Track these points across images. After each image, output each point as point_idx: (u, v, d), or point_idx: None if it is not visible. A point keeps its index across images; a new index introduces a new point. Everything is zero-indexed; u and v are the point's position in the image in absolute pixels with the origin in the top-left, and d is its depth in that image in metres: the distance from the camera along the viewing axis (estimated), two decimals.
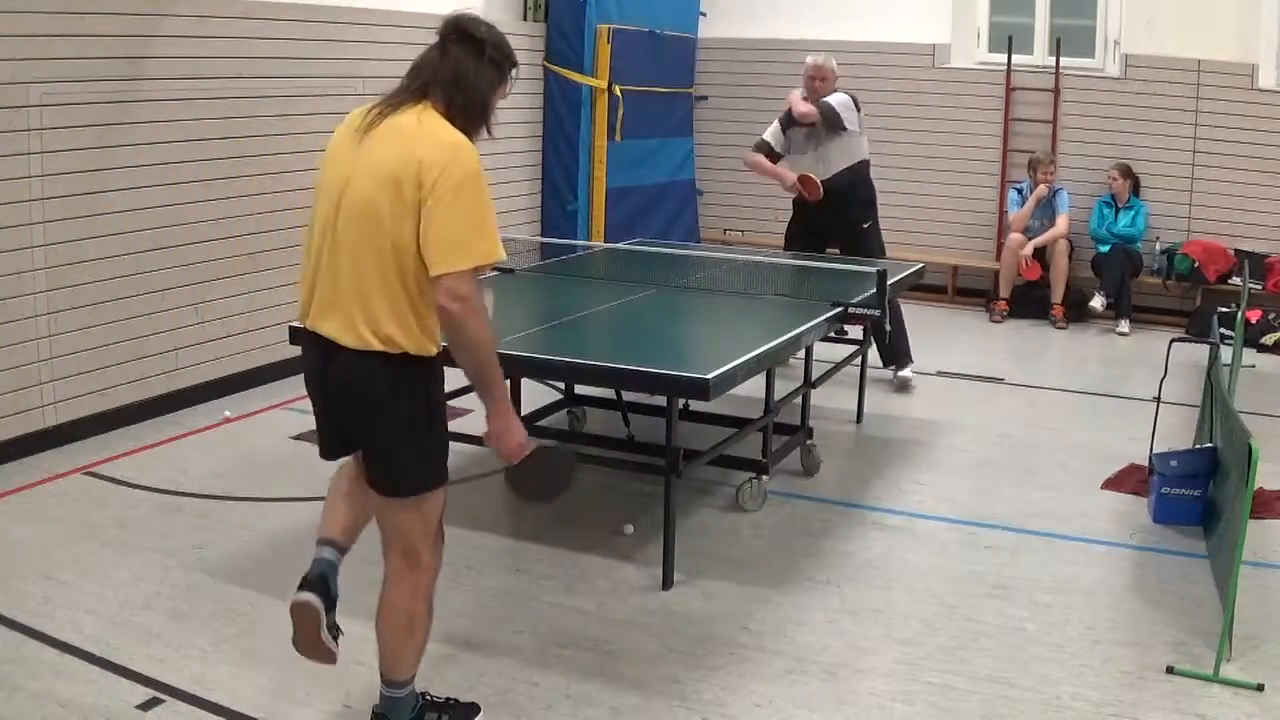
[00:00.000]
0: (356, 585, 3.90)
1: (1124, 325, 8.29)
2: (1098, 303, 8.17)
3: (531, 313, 4.90)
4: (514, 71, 2.80)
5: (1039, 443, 5.67)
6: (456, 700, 3.08)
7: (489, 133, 2.80)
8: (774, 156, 6.49)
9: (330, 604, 2.91)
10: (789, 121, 6.37)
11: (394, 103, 2.70)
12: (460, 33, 2.72)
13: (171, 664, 3.33)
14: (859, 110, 6.26)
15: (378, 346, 2.64)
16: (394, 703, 2.92)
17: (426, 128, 2.64)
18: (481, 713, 3.10)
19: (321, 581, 2.91)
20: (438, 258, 2.56)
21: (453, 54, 2.70)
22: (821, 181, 6.26)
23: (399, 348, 2.65)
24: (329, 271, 2.70)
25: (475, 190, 2.60)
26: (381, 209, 2.60)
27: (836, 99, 6.19)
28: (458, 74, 2.69)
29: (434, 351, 2.73)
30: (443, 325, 2.66)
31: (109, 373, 5.41)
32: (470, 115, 2.71)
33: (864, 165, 6.36)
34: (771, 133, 6.47)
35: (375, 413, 2.71)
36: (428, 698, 3.04)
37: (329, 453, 2.96)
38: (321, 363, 2.75)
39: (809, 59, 6.27)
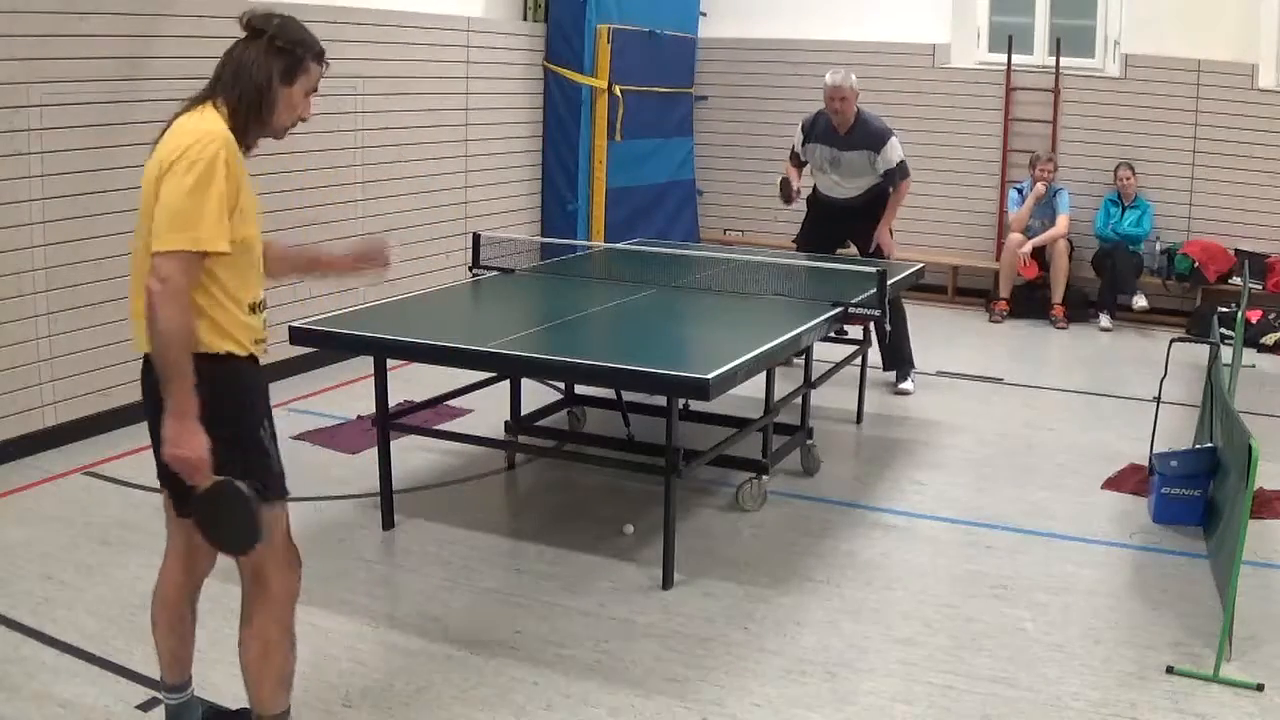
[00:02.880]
0: (357, 588, 3.90)
1: (1105, 320, 8.31)
2: (1139, 300, 8.16)
3: (531, 313, 4.90)
4: (314, 59, 2.64)
5: (1039, 443, 5.67)
6: None
7: (274, 133, 2.70)
8: (802, 164, 6.53)
9: None
10: (809, 135, 6.37)
11: (185, 105, 2.61)
12: (246, 26, 2.63)
13: None
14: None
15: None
16: None
17: (189, 124, 2.52)
18: None
19: None
20: (154, 237, 2.42)
21: (236, 50, 2.62)
22: (844, 199, 6.33)
23: (199, 343, 2.51)
24: (131, 282, 2.61)
25: (204, 175, 2.42)
26: (146, 205, 2.52)
27: (895, 151, 6.12)
28: (237, 68, 2.59)
29: (225, 349, 2.56)
30: (146, 307, 2.44)
31: (109, 373, 5.40)
32: (246, 109, 2.57)
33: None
34: (797, 141, 6.48)
35: (159, 415, 2.51)
36: None
37: (164, 486, 2.78)
38: (143, 376, 2.66)
39: (827, 78, 6.11)
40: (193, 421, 2.46)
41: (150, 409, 2.62)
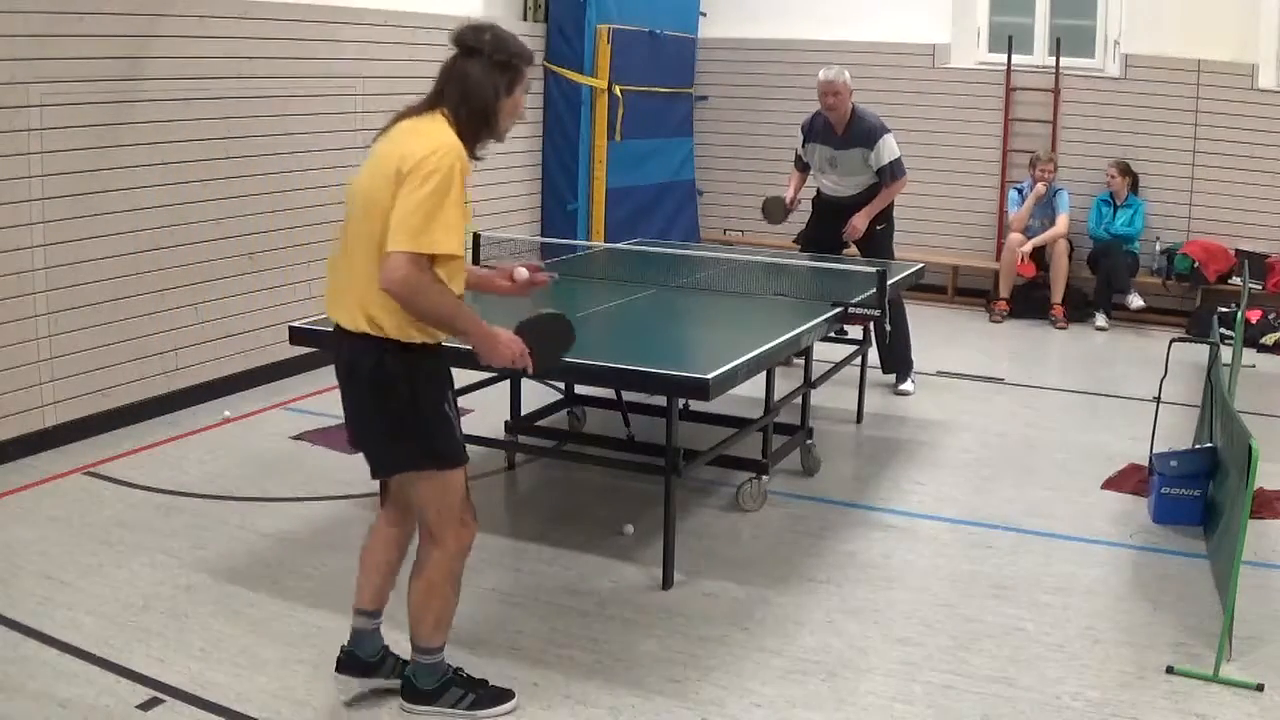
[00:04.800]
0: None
1: (1101, 319, 8.31)
2: (1134, 300, 8.16)
3: (531, 313, 4.89)
4: (528, 65, 2.91)
5: (1039, 443, 5.67)
6: (487, 682, 3.17)
7: (499, 138, 2.95)
8: (807, 166, 6.55)
9: (366, 671, 3.18)
10: (808, 135, 6.38)
11: (408, 111, 2.90)
12: (460, 44, 2.87)
13: (171, 664, 3.33)
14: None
15: (364, 328, 2.84)
16: (417, 667, 3.10)
17: (422, 127, 2.82)
18: (514, 699, 3.17)
19: (350, 658, 3.18)
20: (389, 238, 2.71)
21: (457, 64, 2.87)
22: (845, 197, 6.31)
23: (381, 330, 2.82)
24: (342, 261, 2.91)
25: (442, 184, 2.70)
26: (372, 199, 2.78)
27: (890, 148, 6.11)
28: (462, 84, 2.84)
29: (417, 339, 2.85)
30: (396, 303, 2.77)
31: (109, 373, 5.41)
32: (475, 123, 2.85)
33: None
34: (799, 143, 6.49)
35: (357, 389, 2.93)
36: (459, 674, 3.15)
37: (355, 448, 3.15)
38: (336, 349, 2.99)
39: (821, 74, 6.12)
40: (489, 335, 2.89)
41: (343, 379, 2.98)
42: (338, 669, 3.18)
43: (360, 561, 3.24)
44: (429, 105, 2.87)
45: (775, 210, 6.43)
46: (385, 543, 3.21)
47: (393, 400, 2.88)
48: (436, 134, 2.78)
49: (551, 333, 3.10)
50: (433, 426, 2.92)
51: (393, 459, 2.99)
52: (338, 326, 2.94)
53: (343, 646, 3.21)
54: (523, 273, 3.29)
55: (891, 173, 6.15)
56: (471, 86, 2.83)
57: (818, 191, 6.57)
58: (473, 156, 2.86)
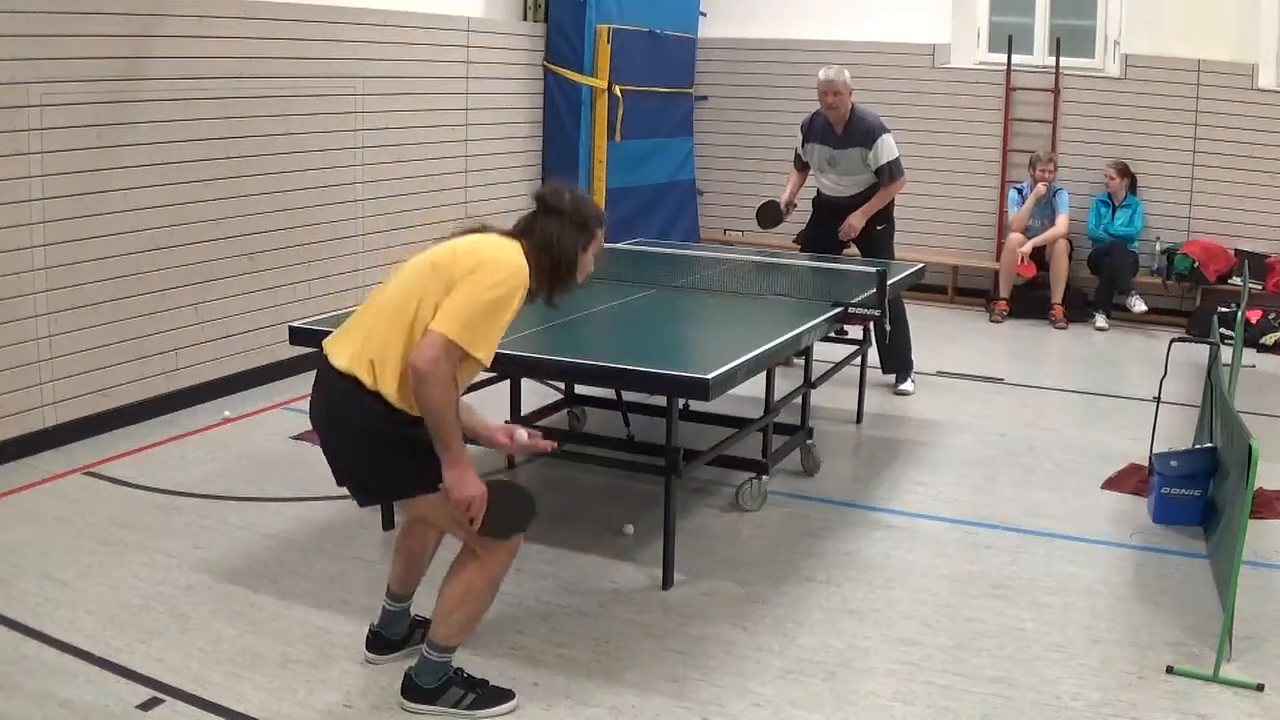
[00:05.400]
0: (357, 588, 3.91)
1: (1100, 320, 8.31)
2: (1137, 304, 8.16)
3: (531, 313, 4.87)
4: (602, 228, 3.16)
5: (1039, 443, 5.67)
6: (487, 682, 3.19)
7: (564, 293, 3.13)
8: (806, 166, 6.55)
9: (393, 648, 3.37)
10: (808, 135, 6.38)
11: (490, 228, 3.10)
12: (543, 204, 3.07)
13: (171, 664, 3.33)
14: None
15: (364, 379, 2.88)
16: (424, 663, 3.12)
17: (507, 246, 2.98)
18: (514, 699, 3.17)
19: (377, 639, 3.38)
20: (439, 318, 2.81)
21: (539, 223, 3.04)
22: (845, 197, 6.31)
23: (377, 386, 2.87)
24: (367, 319, 2.98)
25: (504, 299, 2.85)
26: (420, 282, 2.90)
27: (888, 148, 6.11)
28: (545, 239, 3.01)
29: (406, 413, 2.89)
30: (410, 378, 2.82)
31: (109, 373, 5.41)
32: (556, 274, 3.04)
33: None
34: (799, 143, 6.50)
35: (351, 436, 2.96)
36: (459, 674, 3.16)
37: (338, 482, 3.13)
38: (320, 386, 3.03)
39: (820, 74, 6.12)
40: (469, 469, 2.89)
41: (321, 413, 3.03)
42: (367, 647, 3.38)
43: (394, 546, 3.38)
44: (513, 234, 3.04)
45: (769, 216, 6.44)
46: (422, 538, 3.34)
47: (389, 440, 2.91)
48: (516, 256, 2.94)
49: (513, 504, 3.09)
50: (432, 455, 2.90)
51: (403, 486, 3.02)
52: (327, 362, 2.97)
53: (371, 626, 3.39)
54: (522, 435, 3.28)
55: (890, 173, 6.14)
56: (552, 242, 3.01)
57: (818, 192, 6.57)
58: (534, 298, 3.04)
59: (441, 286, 2.85)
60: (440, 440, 2.84)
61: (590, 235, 3.11)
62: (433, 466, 2.89)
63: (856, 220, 6.19)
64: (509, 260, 2.92)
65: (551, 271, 3.03)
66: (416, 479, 2.94)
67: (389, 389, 2.86)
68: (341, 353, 2.95)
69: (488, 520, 2.95)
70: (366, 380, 2.87)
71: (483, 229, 3.08)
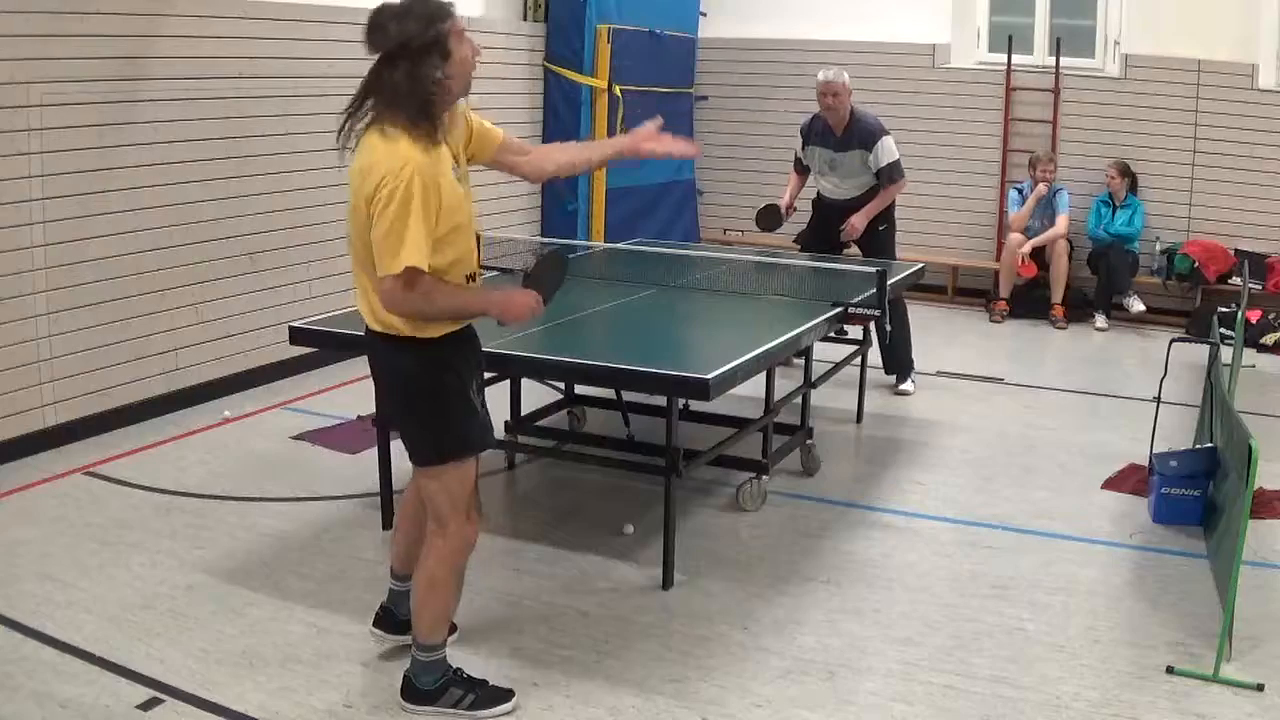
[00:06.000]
0: (357, 588, 3.91)
1: (1100, 320, 8.32)
2: (1135, 304, 8.16)
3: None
4: (447, 20, 2.79)
5: (1039, 443, 5.67)
6: (487, 682, 3.19)
7: (455, 100, 2.92)
8: (806, 169, 6.55)
9: (400, 629, 3.37)
10: (807, 138, 6.38)
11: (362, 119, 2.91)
12: (372, 48, 2.84)
13: (171, 664, 3.33)
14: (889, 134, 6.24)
15: (380, 329, 2.93)
16: (416, 664, 3.12)
17: (375, 138, 2.80)
18: (514, 699, 3.17)
19: (386, 615, 3.42)
20: (376, 266, 2.78)
21: (382, 77, 2.83)
22: (845, 199, 6.31)
23: (398, 330, 2.89)
24: (355, 267, 2.97)
25: (400, 202, 2.70)
26: (352, 208, 2.86)
27: (888, 150, 6.10)
28: (393, 95, 2.79)
29: (435, 334, 2.92)
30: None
31: (109, 373, 5.41)
32: (429, 110, 2.79)
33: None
34: (798, 145, 6.49)
35: (385, 387, 3.10)
36: (459, 674, 3.16)
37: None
38: (365, 342, 3.08)
39: (820, 75, 6.12)
40: (503, 301, 2.94)
41: (373, 371, 3.10)
42: (374, 624, 3.41)
43: (396, 526, 3.45)
44: (374, 119, 2.82)
45: (769, 219, 6.43)
46: (415, 510, 3.33)
47: (420, 399, 2.97)
48: (391, 146, 2.75)
49: (551, 272, 3.16)
50: (453, 422, 2.97)
51: (421, 453, 3.04)
52: (364, 325, 3.02)
53: (382, 604, 3.43)
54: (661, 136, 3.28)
55: (890, 175, 6.14)
56: (400, 91, 2.76)
57: (818, 194, 6.57)
58: (437, 141, 2.81)
59: (365, 221, 2.77)
60: (472, 316, 2.96)
61: (437, 46, 2.76)
62: (454, 434, 2.96)
63: (859, 221, 6.19)
64: (386, 162, 2.72)
65: (421, 112, 2.76)
66: (433, 445, 2.98)
67: (395, 323, 2.88)
68: (365, 312, 2.98)
69: (546, 295, 3.05)
70: (378, 327, 2.92)
71: (371, 122, 2.84)
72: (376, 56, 2.82)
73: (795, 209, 6.58)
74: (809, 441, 5.10)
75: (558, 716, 3.16)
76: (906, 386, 6.48)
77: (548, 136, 8.45)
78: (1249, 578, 3.81)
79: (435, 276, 2.82)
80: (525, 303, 2.98)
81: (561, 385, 5.52)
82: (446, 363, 2.96)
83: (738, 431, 4.66)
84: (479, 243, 5.39)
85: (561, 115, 8.38)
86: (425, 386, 2.95)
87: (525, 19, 8.28)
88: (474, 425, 3.04)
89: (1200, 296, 8.26)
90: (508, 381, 4.92)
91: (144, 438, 5.36)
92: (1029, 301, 8.60)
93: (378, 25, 2.78)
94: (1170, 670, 3.42)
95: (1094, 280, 8.50)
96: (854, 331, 5.80)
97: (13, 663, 3.32)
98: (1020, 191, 8.60)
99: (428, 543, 3.09)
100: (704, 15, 9.48)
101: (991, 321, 8.55)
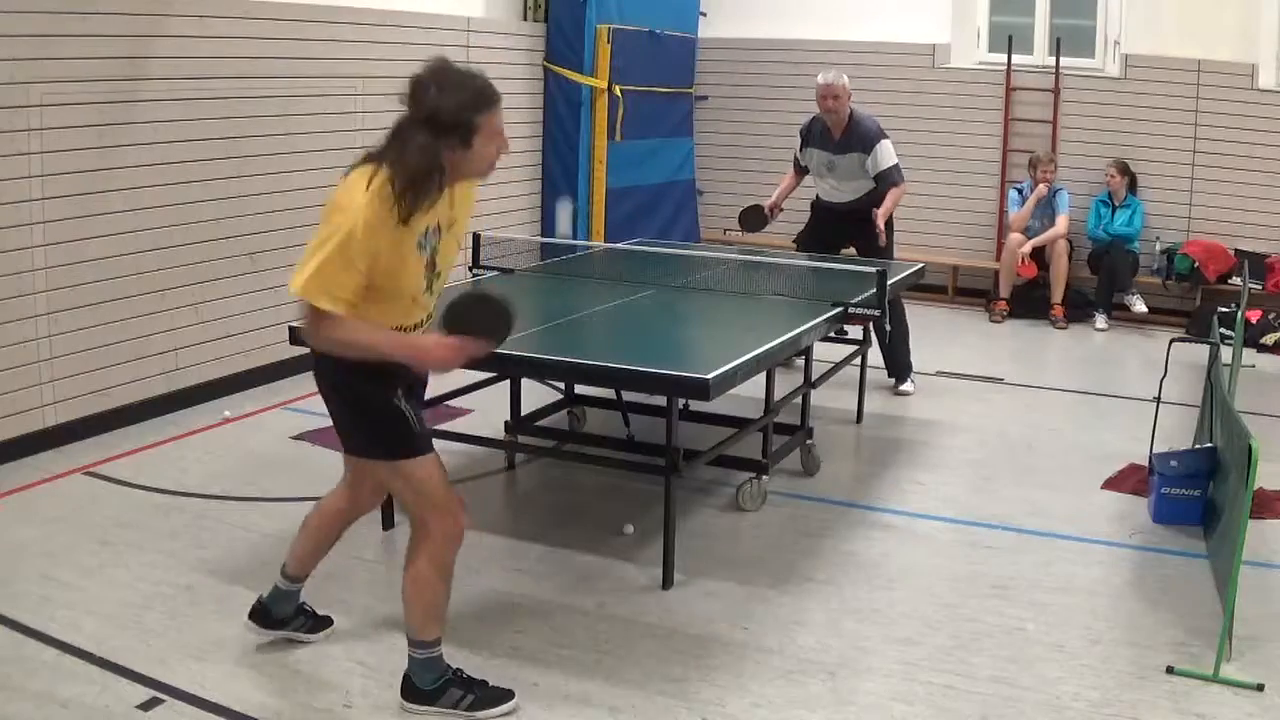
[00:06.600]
0: (357, 588, 3.91)
1: (1101, 320, 8.32)
2: (1138, 304, 8.15)
3: (531, 313, 4.89)
4: (486, 112, 2.79)
5: (1039, 443, 5.67)
6: (486, 682, 3.18)
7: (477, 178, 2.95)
8: (803, 170, 6.54)
9: (275, 625, 3.41)
10: (806, 140, 6.37)
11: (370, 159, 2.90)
12: (407, 101, 2.83)
13: (171, 664, 3.33)
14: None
15: None
16: (413, 662, 3.11)
17: (352, 179, 2.82)
18: (514, 699, 3.17)
19: (262, 610, 3.41)
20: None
21: (403, 133, 2.83)
22: (844, 202, 6.31)
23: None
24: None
25: (337, 244, 2.71)
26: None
27: (887, 154, 6.08)
28: (400, 159, 2.78)
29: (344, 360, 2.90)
30: None
31: (109, 373, 5.41)
32: (415, 189, 2.76)
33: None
34: (797, 147, 6.48)
35: (319, 385, 3.06)
36: (459, 674, 3.15)
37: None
38: None
39: (820, 77, 6.11)
40: (415, 348, 2.86)
41: (324, 392, 3.08)
42: (249, 616, 3.40)
43: (304, 523, 3.42)
44: (375, 157, 2.81)
45: (752, 221, 6.43)
46: (323, 512, 3.38)
47: (343, 396, 3.00)
48: (358, 195, 2.73)
49: (477, 311, 2.92)
50: (382, 422, 2.96)
51: (353, 443, 3.10)
52: None
53: (260, 597, 3.42)
54: None
55: (891, 178, 6.13)
56: (407, 159, 2.73)
57: (817, 196, 6.57)
58: (413, 210, 2.76)
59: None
60: (385, 357, 2.83)
61: (460, 131, 2.74)
62: (385, 436, 2.95)
63: (879, 223, 6.13)
64: (348, 198, 2.73)
65: (412, 183, 2.72)
66: (369, 443, 3.02)
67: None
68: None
69: (476, 339, 2.85)
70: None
71: (365, 159, 2.84)
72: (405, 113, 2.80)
73: (782, 209, 6.57)
74: (809, 441, 5.11)
75: (558, 716, 3.16)
76: (906, 387, 6.48)
77: (548, 136, 8.46)
78: (1249, 578, 3.80)
79: (344, 316, 2.77)
80: (440, 351, 2.84)
81: (561, 385, 5.52)
82: (374, 374, 2.90)
83: (738, 431, 4.66)
84: (477, 247, 5.41)
85: (561, 115, 8.38)
86: (354, 393, 2.96)
87: (525, 19, 8.28)
88: (415, 427, 2.99)
89: (1200, 296, 8.26)
90: (508, 381, 4.92)
91: (144, 438, 5.36)
92: (1029, 301, 8.60)
93: (420, 85, 2.77)
94: (1170, 670, 3.42)
95: (1094, 280, 8.50)
96: (854, 332, 5.80)
97: (13, 663, 3.32)
98: (1020, 191, 8.60)
99: (413, 543, 3.06)
100: (704, 15, 9.48)
101: (991, 321, 8.56)
